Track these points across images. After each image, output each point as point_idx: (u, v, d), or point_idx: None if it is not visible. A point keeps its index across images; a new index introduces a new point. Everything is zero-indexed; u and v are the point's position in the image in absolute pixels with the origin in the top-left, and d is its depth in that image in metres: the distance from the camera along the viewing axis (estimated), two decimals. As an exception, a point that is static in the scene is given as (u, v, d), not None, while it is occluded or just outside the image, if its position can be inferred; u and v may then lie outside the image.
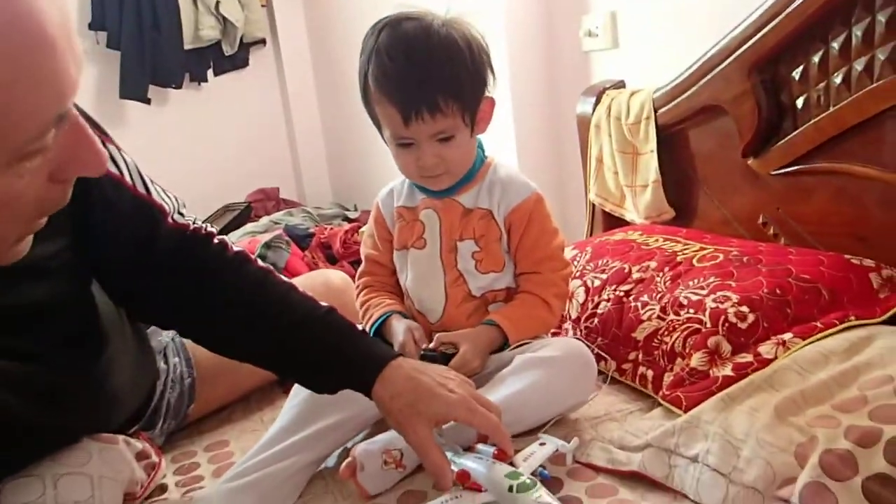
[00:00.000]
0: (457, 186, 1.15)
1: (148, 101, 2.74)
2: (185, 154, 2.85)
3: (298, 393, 1.08)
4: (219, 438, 1.20)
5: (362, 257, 1.27)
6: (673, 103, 1.47)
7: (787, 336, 1.02)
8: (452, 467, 0.86)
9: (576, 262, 1.36)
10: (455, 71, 1.04)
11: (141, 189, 0.90)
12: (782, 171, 1.31)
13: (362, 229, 1.97)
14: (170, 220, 0.93)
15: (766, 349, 1.01)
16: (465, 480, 0.86)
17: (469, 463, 0.88)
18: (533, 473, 0.88)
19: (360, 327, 0.96)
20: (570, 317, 1.29)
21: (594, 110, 1.64)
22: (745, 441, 0.87)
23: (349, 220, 2.58)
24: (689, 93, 1.43)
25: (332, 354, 0.91)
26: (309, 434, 1.01)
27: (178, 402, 1.16)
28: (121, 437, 0.91)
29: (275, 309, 0.93)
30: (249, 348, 0.95)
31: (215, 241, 0.97)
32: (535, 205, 1.15)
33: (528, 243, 1.15)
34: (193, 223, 0.97)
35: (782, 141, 1.31)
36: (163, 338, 1.18)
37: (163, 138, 2.78)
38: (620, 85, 1.66)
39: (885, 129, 1.14)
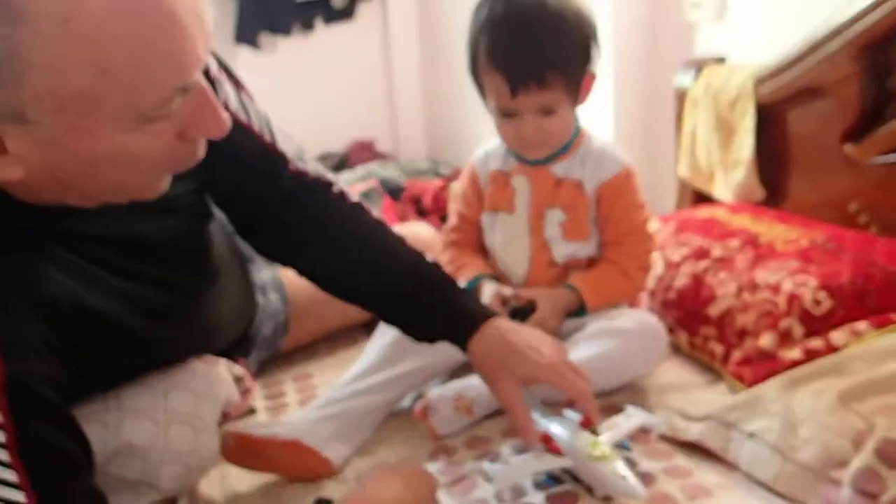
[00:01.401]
0: (551, 156, 1.18)
1: (258, 47, 2.86)
2: (289, 100, 2.93)
3: (382, 336, 1.16)
4: (305, 371, 1.30)
5: (451, 213, 1.32)
6: (774, 82, 1.44)
7: (862, 325, 1.03)
8: (537, 428, 0.90)
9: (658, 235, 1.38)
10: (565, 46, 1.06)
11: (267, 137, 0.96)
12: (881, 159, 1.29)
13: (453, 184, 2.03)
14: (291, 166, 0.98)
15: (837, 336, 1.02)
16: (547, 443, 0.89)
17: (553, 427, 0.91)
18: (616, 445, 0.90)
19: (461, 284, 0.99)
20: (647, 288, 1.32)
21: (693, 84, 1.63)
22: (805, 422, 0.89)
23: (440, 177, 2.64)
24: (791, 72, 1.40)
25: (433, 307, 0.96)
26: (389, 376, 1.09)
27: (272, 334, 1.26)
28: (222, 361, 1.01)
29: (384, 258, 0.98)
30: (358, 292, 1.02)
31: (334, 189, 1.02)
32: (625, 179, 1.17)
33: (615, 216, 1.17)
34: (315, 171, 1.01)
35: (883, 127, 1.27)
36: (263, 275, 1.28)
37: (270, 83, 2.85)
38: (722, 60, 1.64)
39: None
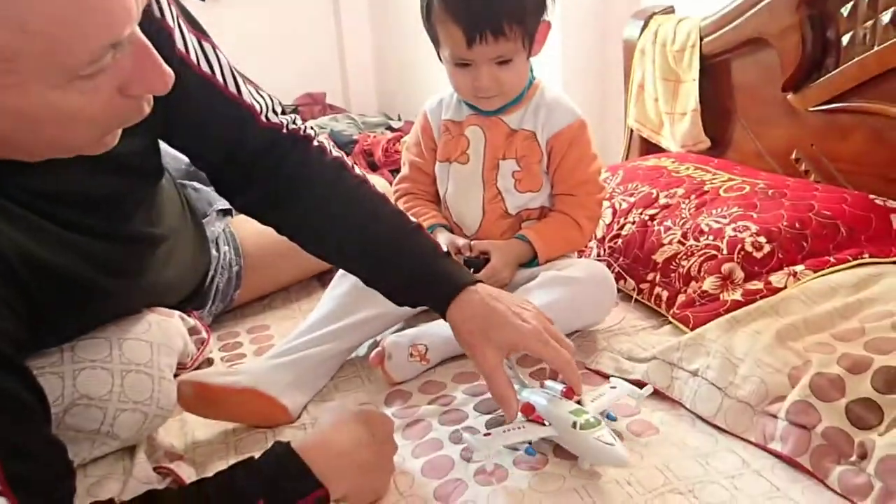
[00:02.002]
0: (505, 106, 1.18)
1: (202, -2, 2.78)
2: (236, 53, 2.88)
3: (337, 286, 1.17)
4: (260, 322, 1.30)
5: (404, 164, 1.32)
6: (719, 33, 1.47)
7: (800, 268, 1.07)
8: (518, 398, 0.86)
9: (607, 185, 1.40)
10: None
11: (232, 89, 0.90)
12: (820, 108, 1.33)
13: (404, 139, 2.02)
14: (262, 119, 0.92)
15: (777, 279, 1.07)
16: (529, 413, 0.86)
17: (535, 396, 0.89)
18: (600, 414, 0.88)
19: (441, 246, 0.95)
20: (595, 236, 1.35)
21: (641, 35, 1.65)
22: (743, 360, 0.93)
23: (392, 130, 2.62)
24: (735, 23, 1.43)
25: (414, 271, 0.91)
26: (345, 325, 1.10)
27: (227, 286, 1.26)
28: (176, 313, 1.01)
29: (366, 220, 0.93)
30: (339, 254, 0.98)
31: (314, 143, 0.96)
32: (577, 130, 1.19)
33: (566, 167, 1.19)
34: (291, 123, 0.96)
35: (824, 78, 1.32)
36: (215, 228, 1.27)
37: (215, 34, 2.82)
38: (669, 10, 1.66)
39: (926, 72, 1.15)
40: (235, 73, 0.92)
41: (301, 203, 0.93)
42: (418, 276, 0.91)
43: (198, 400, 0.96)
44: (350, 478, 0.77)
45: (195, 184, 1.32)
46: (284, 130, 0.95)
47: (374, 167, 2.34)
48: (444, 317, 0.89)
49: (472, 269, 1.10)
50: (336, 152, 0.97)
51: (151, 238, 0.96)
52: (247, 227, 1.31)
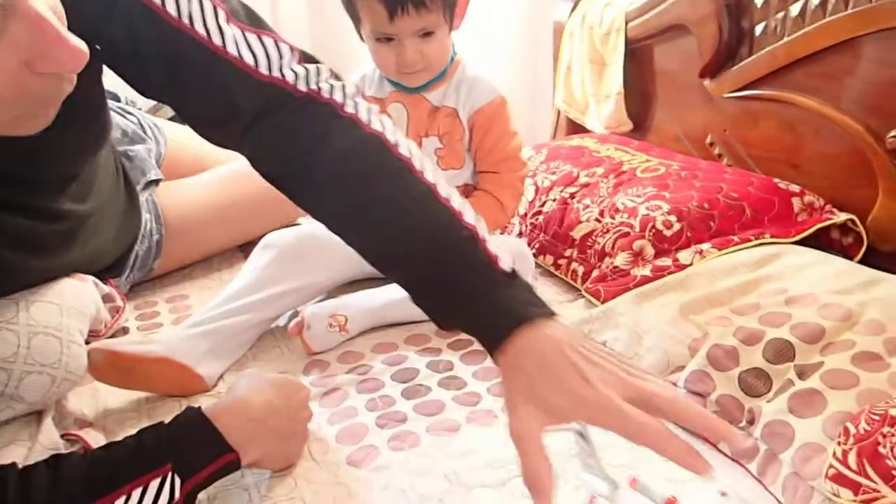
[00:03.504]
0: (427, 84, 1.19)
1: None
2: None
3: (259, 257, 1.17)
4: (180, 292, 1.29)
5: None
6: (643, 18, 1.51)
7: (706, 246, 1.12)
8: (587, 486, 0.68)
9: (531, 163, 1.43)
10: None
11: (249, 61, 0.76)
12: (734, 94, 1.38)
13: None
14: (297, 90, 0.78)
15: (684, 256, 1.11)
16: None
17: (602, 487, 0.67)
18: None
19: (506, 265, 0.71)
20: (518, 213, 1.38)
21: (570, 17, 1.68)
22: (648, 332, 0.98)
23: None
24: (659, 9, 1.48)
25: (462, 292, 0.69)
26: (265, 295, 1.10)
27: (146, 255, 1.24)
28: (90, 278, 0.99)
29: (407, 217, 0.73)
30: (360, 246, 0.77)
31: (346, 110, 0.78)
32: (498, 108, 1.20)
33: (488, 144, 1.21)
34: (329, 91, 0.79)
35: (738, 65, 1.37)
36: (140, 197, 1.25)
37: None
38: (598, -6, 1.69)
39: (830, 63, 1.20)
40: (225, 24, 0.76)
41: (313, 172, 0.77)
42: (464, 298, 0.69)
43: (110, 368, 0.94)
44: (262, 443, 0.78)
45: (131, 149, 1.28)
46: (321, 98, 0.78)
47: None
48: (493, 360, 0.68)
49: None
50: (377, 124, 0.78)
51: (78, 215, 0.92)
52: (171, 196, 1.30)
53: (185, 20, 0.75)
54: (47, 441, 0.84)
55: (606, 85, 1.61)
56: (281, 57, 0.78)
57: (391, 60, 1.13)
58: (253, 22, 0.79)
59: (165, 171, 1.33)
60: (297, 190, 0.80)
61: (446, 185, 0.75)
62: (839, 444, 0.72)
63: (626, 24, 1.54)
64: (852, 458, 0.69)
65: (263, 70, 0.77)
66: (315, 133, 0.77)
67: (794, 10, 1.24)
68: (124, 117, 1.35)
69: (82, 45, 0.58)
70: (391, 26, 1.08)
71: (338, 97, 0.79)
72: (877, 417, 0.71)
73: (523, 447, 0.62)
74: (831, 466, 0.71)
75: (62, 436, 0.87)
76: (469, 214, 0.73)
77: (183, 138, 1.40)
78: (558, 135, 1.81)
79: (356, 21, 1.14)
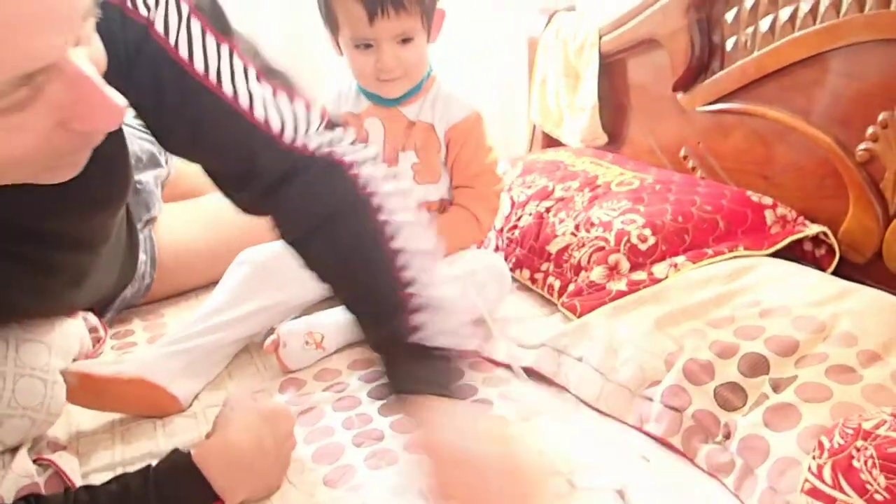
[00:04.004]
0: (403, 97, 1.19)
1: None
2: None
3: (233, 275, 1.16)
4: (156, 311, 1.28)
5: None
6: (616, 32, 1.53)
7: (680, 259, 1.13)
8: None
9: (505, 176, 1.44)
10: None
11: (246, 108, 0.74)
12: (706, 108, 1.40)
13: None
14: (283, 143, 0.76)
15: (659, 269, 1.12)
16: None
17: None
18: None
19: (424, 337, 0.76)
20: (494, 227, 1.38)
21: (543, 32, 1.69)
22: (624, 346, 0.98)
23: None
24: (631, 24, 1.49)
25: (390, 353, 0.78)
26: (240, 314, 1.09)
27: (133, 296, 1.23)
28: (80, 313, 0.97)
29: (357, 276, 0.79)
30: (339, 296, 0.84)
31: (346, 170, 0.80)
32: (473, 123, 1.20)
33: (464, 159, 1.21)
34: (326, 145, 0.80)
35: (710, 79, 1.38)
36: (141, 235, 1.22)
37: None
38: (571, 8, 1.71)
39: (799, 77, 1.22)
40: (255, 84, 0.74)
41: (320, 235, 0.80)
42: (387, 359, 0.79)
43: (83, 391, 0.93)
44: (248, 486, 0.78)
45: (139, 180, 1.24)
46: (311, 153, 0.78)
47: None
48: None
49: None
50: (372, 186, 0.80)
51: (87, 262, 0.88)
52: (166, 237, 1.28)
53: (213, 77, 0.71)
54: (20, 469, 0.81)
55: (581, 98, 1.62)
56: (309, 123, 0.78)
57: (370, 67, 1.12)
58: (284, 81, 0.77)
59: (168, 187, 1.31)
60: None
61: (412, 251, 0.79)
62: (814, 458, 0.72)
63: (600, 38, 1.56)
64: (827, 473, 0.70)
65: (289, 136, 0.76)
66: (329, 202, 0.79)
67: (764, 25, 1.26)
68: (139, 140, 1.29)
69: (121, 102, 0.55)
70: (370, 30, 1.07)
71: (356, 163, 0.80)
72: (850, 431, 0.71)
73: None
74: (806, 481, 0.71)
75: (35, 460, 0.85)
76: (414, 282, 0.77)
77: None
78: (534, 148, 1.82)
79: (334, 29, 1.13)
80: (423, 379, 0.74)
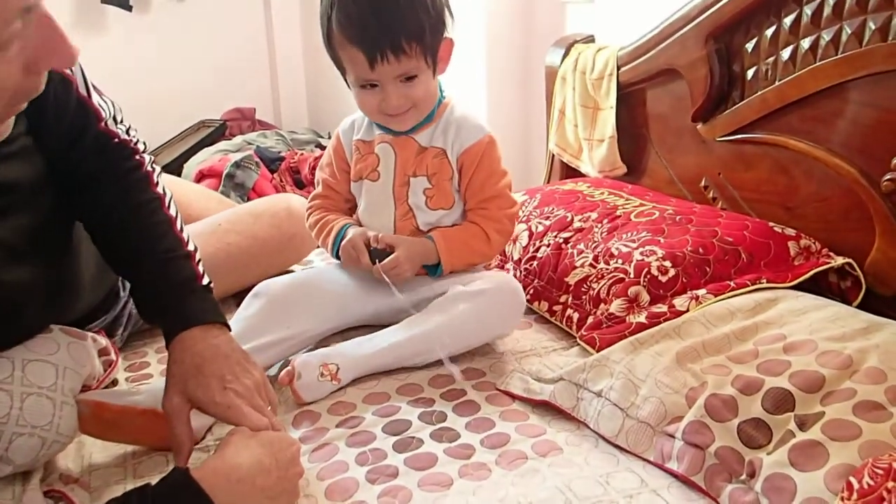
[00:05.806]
0: (415, 126, 1.19)
1: (129, 8, 2.73)
2: (164, 65, 2.84)
3: (248, 307, 1.16)
4: (171, 342, 1.27)
5: (318, 182, 1.31)
6: (634, 63, 1.52)
7: (702, 292, 1.11)
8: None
9: (524, 208, 1.43)
10: (417, 14, 1.07)
11: (83, 90, 0.94)
12: (727, 138, 1.38)
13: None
14: (102, 124, 0.97)
15: (680, 302, 1.10)
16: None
17: None
18: None
19: (206, 281, 0.95)
20: (512, 258, 1.37)
21: (562, 62, 1.69)
22: (644, 381, 0.96)
23: (321, 147, 2.62)
24: (650, 54, 1.48)
25: (160, 294, 0.93)
26: (256, 345, 1.09)
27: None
28: (89, 335, 0.97)
29: (144, 234, 0.95)
30: (114, 262, 1.00)
31: (136, 157, 1.00)
32: (487, 146, 1.20)
33: (476, 183, 1.20)
34: (125, 133, 1.00)
35: (730, 109, 1.37)
36: None
37: (142, 47, 2.77)
38: (590, 39, 1.71)
39: (821, 107, 1.21)
40: (86, 76, 0.96)
41: (102, 206, 0.96)
42: (161, 300, 0.92)
43: (96, 421, 0.93)
44: (254, 502, 0.76)
45: None
46: (118, 139, 0.99)
47: (300, 185, 2.33)
48: (167, 345, 0.91)
49: (377, 259, 1.13)
50: (150, 167, 1.01)
51: (50, 241, 0.94)
52: None
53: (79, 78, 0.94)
54: (31, 502, 0.81)
55: (600, 129, 1.62)
56: (119, 121, 1.00)
57: (375, 106, 1.14)
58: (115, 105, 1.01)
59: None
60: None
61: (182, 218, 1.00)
62: (842, 499, 0.69)
63: (618, 68, 1.55)
64: (856, 515, 0.67)
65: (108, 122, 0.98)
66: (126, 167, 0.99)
67: (785, 54, 1.25)
68: None
69: (75, 45, 0.65)
70: (373, 73, 1.09)
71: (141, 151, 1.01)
72: (880, 471, 0.68)
73: (173, 420, 0.86)
74: (835, 523, 0.68)
75: (46, 493, 0.85)
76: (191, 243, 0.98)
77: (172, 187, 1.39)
78: (552, 179, 1.81)
79: (341, 69, 1.14)
80: (213, 310, 0.92)
